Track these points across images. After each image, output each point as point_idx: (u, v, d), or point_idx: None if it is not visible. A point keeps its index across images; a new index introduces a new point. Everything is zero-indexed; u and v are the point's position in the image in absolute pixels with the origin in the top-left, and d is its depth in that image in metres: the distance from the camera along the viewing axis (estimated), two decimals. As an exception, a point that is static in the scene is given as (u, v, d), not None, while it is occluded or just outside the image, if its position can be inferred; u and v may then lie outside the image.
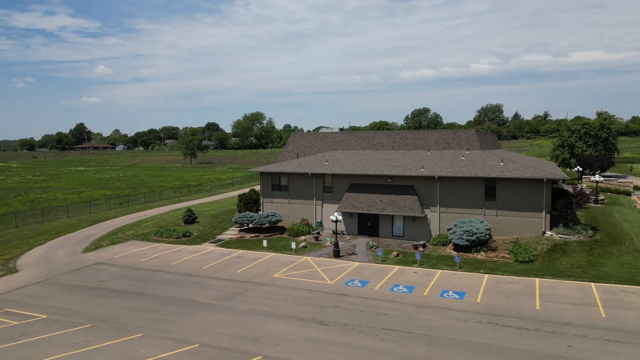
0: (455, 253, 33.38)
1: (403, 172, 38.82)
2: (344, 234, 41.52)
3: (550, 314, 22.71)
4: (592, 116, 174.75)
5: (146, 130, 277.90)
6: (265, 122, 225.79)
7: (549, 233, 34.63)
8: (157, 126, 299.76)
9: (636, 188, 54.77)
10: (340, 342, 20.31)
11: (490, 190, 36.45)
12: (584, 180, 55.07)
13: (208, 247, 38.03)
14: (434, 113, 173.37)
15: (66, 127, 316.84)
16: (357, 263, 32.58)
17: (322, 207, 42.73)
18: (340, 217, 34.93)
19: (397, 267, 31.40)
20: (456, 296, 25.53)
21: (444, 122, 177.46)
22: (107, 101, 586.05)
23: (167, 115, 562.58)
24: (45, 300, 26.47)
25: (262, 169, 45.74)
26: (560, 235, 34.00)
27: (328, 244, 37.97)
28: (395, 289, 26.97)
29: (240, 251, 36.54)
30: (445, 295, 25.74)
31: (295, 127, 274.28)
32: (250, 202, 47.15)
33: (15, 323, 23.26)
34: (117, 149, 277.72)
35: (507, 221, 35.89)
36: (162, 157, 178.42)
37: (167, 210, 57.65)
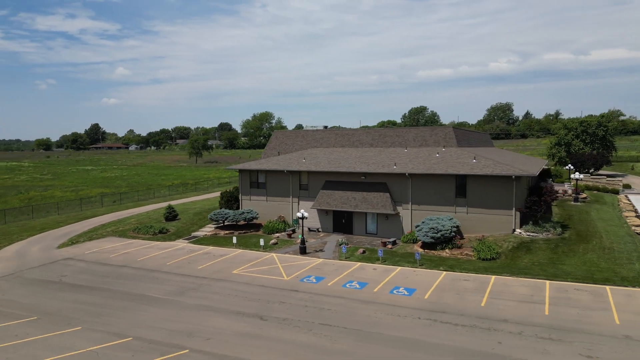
0: (421, 250, 33.13)
1: (376, 169, 38.62)
2: (319, 232, 41.49)
3: (492, 311, 22.38)
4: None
5: (158, 130, 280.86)
6: (274, 122, 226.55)
7: (518, 231, 34.12)
8: (175, 126, 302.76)
9: (626, 186, 53.58)
10: (271, 336, 20.30)
11: (460, 188, 36.06)
12: (572, 178, 53.94)
13: (180, 244, 38.34)
14: (431, 111, 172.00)
15: (86, 128, 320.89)
16: (321, 260, 32.51)
17: (298, 204, 42.74)
18: (306, 214, 34.92)
19: (359, 263, 31.25)
20: (405, 293, 25.32)
21: (441, 120, 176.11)
22: (126, 102, 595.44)
23: (185, 116, 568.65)
24: (1, 294, 26.97)
25: (239, 166, 45.95)
26: (528, 233, 33.46)
27: (299, 241, 37.93)
28: (347, 285, 26.86)
29: (210, 248, 36.76)
30: (395, 291, 25.54)
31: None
32: (231, 200, 47.42)
33: (-34, 315, 23.76)
34: (130, 148, 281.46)
35: (478, 219, 35.45)
36: (170, 157, 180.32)
37: (156, 207, 58.19)
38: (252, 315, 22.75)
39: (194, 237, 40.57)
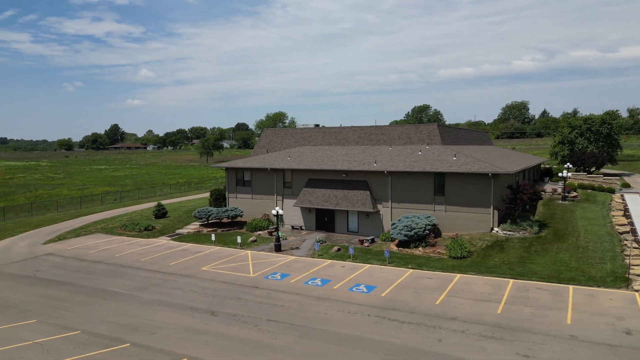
0: (396, 248, 32.84)
1: (356, 167, 38.40)
2: (302, 229, 41.47)
3: (445, 309, 22.04)
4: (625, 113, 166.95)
5: (175, 130, 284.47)
6: (287, 121, 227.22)
7: (496, 229, 33.52)
8: (191, 126, 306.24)
9: (625, 185, 52.05)
10: (215, 331, 20.38)
11: (439, 186, 35.61)
12: (560, 176, 52.64)
13: (161, 241, 38.76)
14: (435, 110, 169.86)
15: (106, 129, 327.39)
16: (294, 257, 32.49)
17: (282, 202, 42.79)
18: (281, 211, 34.96)
19: (330, 261, 31.13)
20: (364, 290, 25.12)
21: (445, 119, 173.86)
22: (150, 103, 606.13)
23: (206, 116, 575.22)
24: (-28, 287, 27.69)
25: (226, 164, 46.23)
26: (505, 232, 32.85)
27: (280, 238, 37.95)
28: (310, 282, 26.78)
29: (189, 245, 37.07)
30: (354, 289, 25.36)
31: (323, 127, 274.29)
32: (219, 198, 47.74)
33: None
34: (148, 148, 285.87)
35: (456, 217, 34.95)
36: (184, 157, 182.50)
37: (152, 205, 58.77)
38: (204, 311, 22.86)
39: (178, 234, 40.98)
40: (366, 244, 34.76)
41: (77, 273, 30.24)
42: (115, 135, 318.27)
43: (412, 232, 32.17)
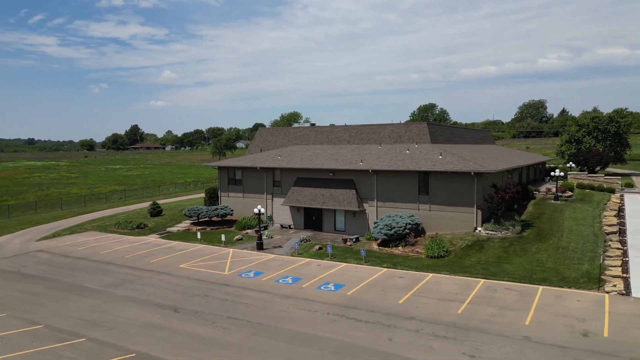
0: (377, 247, 32.66)
1: (343, 166, 38.30)
2: (290, 228, 41.55)
3: (406, 308, 21.83)
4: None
5: (192, 130, 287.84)
6: (301, 121, 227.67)
7: (479, 229, 33.04)
8: (209, 127, 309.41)
9: (628, 185, 50.66)
10: (172, 328, 20.58)
11: (423, 184, 35.26)
12: (569, 177, 51.51)
13: (150, 239, 39.29)
14: (441, 109, 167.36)
15: (126, 129, 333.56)
16: (273, 256, 32.58)
17: (272, 201, 42.95)
18: (263, 210, 35.13)
19: (308, 260, 31.14)
20: (332, 288, 25.05)
21: (451, 118, 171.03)
22: (172, 104, 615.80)
23: (227, 117, 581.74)
24: (-44, 282, 28.52)
25: (218, 163, 46.60)
26: (487, 231, 32.34)
27: (265, 237, 38.15)
28: (280, 280, 26.83)
29: (175, 242, 37.51)
30: (322, 287, 25.32)
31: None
32: (213, 197, 48.19)
33: None
34: (166, 148, 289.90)
35: (441, 216, 34.56)
36: (198, 157, 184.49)
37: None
38: (168, 308, 23.12)
39: (168, 232, 41.49)
40: (349, 243, 34.64)
41: (59, 269, 30.89)
42: (134, 136, 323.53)
43: (392, 231, 31.94)
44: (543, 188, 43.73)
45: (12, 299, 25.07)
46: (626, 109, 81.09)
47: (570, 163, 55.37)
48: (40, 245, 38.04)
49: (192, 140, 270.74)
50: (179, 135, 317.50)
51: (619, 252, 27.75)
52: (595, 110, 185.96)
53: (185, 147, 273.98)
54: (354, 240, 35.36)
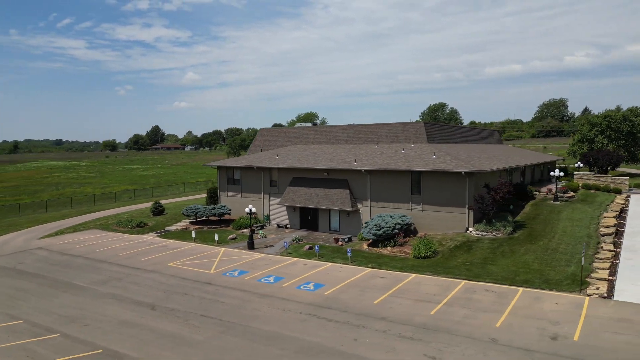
0: (366, 248, 32.52)
1: (337, 165, 38.23)
2: (287, 228, 41.66)
3: (379, 309, 21.68)
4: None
5: (211, 131, 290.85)
6: (318, 122, 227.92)
7: (471, 229, 32.57)
8: (228, 127, 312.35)
9: (638, 186, 49.16)
10: (145, 325, 20.88)
11: (416, 184, 34.94)
12: (575, 177, 50.26)
13: (147, 237, 39.89)
14: (451, 108, 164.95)
15: (147, 130, 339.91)
16: (263, 255, 32.72)
17: (269, 200, 43.14)
18: (254, 209, 35.33)
19: (295, 259, 31.18)
20: (311, 288, 25.05)
21: (462, 117, 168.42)
22: (195, 105, 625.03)
23: (249, 118, 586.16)
24: (-48, 278, 29.47)
25: (217, 163, 47.05)
26: (478, 232, 31.87)
27: (259, 236, 38.37)
28: (263, 279, 26.94)
29: (170, 241, 37.99)
30: (302, 287, 25.33)
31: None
32: (214, 196, 48.66)
33: None
34: (186, 149, 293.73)
35: (433, 216, 34.19)
36: (214, 157, 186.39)
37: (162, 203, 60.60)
38: (146, 305, 23.45)
39: (165, 231, 42.05)
40: (340, 243, 34.55)
41: (54, 266, 31.61)
42: (155, 137, 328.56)
43: (381, 231, 31.74)
44: (544, 188, 42.81)
45: (0, 295, 25.77)
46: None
47: (578, 163, 54.14)
48: (41, 243, 39.00)
49: (211, 140, 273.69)
50: (199, 135, 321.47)
51: (609, 254, 27.00)
52: (618, 108, 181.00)
53: (204, 148, 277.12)
54: (346, 240, 35.27)
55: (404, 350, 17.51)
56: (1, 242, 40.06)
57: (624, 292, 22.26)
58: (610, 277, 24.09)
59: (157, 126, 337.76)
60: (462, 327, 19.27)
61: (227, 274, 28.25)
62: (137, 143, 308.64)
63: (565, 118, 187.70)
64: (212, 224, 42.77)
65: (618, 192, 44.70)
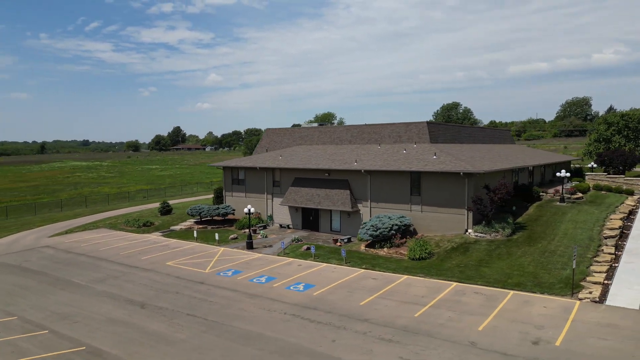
0: (364, 249, 32.39)
1: (338, 166, 38.17)
2: (289, 228, 41.77)
3: (364, 310, 21.59)
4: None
5: (230, 132, 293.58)
6: (336, 122, 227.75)
7: (470, 231, 32.12)
8: (250, 128, 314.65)
9: (653, 186, 47.63)
10: (131, 323, 21.22)
11: (415, 185, 34.63)
12: (587, 178, 49.02)
13: (151, 236, 40.51)
14: (465, 107, 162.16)
15: (169, 131, 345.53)
16: (260, 255, 32.89)
17: (272, 201, 43.33)
18: (253, 209, 35.53)
19: (291, 259, 31.26)
20: (301, 288, 25.08)
21: (476, 116, 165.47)
22: (217, 107, 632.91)
23: (270, 118, 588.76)
24: (-41, 274, 30.45)
25: (223, 163, 47.45)
26: (477, 234, 31.40)
27: (259, 237, 38.59)
28: (255, 279, 27.08)
29: (173, 240, 38.51)
30: (292, 287, 25.38)
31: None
32: (220, 196, 49.11)
33: None
34: (206, 149, 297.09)
35: (433, 217, 33.83)
36: (233, 157, 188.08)
37: (172, 203, 61.43)
38: (137, 304, 23.82)
39: (170, 230, 42.63)
40: (338, 244, 34.48)
41: (57, 264, 32.37)
42: (176, 137, 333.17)
43: (378, 232, 31.57)
44: (552, 189, 41.91)
45: (1, 291, 26.52)
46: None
47: (592, 163, 52.83)
48: (49, 242, 39.98)
49: (230, 141, 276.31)
50: (219, 136, 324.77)
51: (608, 258, 26.29)
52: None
53: (223, 148, 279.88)
54: (345, 241, 35.19)
55: (381, 352, 17.38)
56: (12, 240, 41.20)
57: (617, 296, 21.65)
58: (606, 281, 23.45)
59: (179, 127, 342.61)
60: (444, 330, 19.04)
61: (221, 274, 28.49)
62: (158, 144, 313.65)
63: (588, 117, 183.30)
64: (216, 224, 43.17)
65: (630, 193, 43.48)
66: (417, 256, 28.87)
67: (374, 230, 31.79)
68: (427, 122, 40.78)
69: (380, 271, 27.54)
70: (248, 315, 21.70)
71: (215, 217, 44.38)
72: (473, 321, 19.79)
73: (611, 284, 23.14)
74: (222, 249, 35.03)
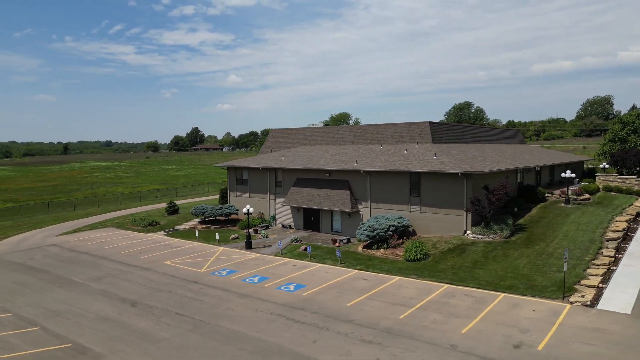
0: (361, 249, 32.27)
1: (338, 166, 38.11)
2: (291, 228, 41.86)
3: (350, 311, 21.50)
4: None
5: (247, 132, 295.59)
6: (351, 122, 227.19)
7: (468, 232, 31.73)
8: (266, 129, 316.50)
9: (666, 188, 46.27)
10: (120, 321, 21.52)
11: (415, 186, 34.37)
12: (597, 179, 47.86)
13: (155, 236, 41.04)
14: (477, 107, 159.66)
15: (187, 131, 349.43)
16: (258, 255, 33.04)
17: (274, 201, 43.48)
18: (252, 209, 35.69)
19: (287, 259, 31.33)
20: (291, 289, 25.11)
21: (488, 116, 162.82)
22: (237, 107, 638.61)
23: (288, 119, 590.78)
24: (-36, 271, 31.30)
25: (227, 163, 47.80)
26: (475, 235, 30.99)
27: (260, 237, 38.77)
28: (248, 279, 27.21)
29: (175, 240, 38.94)
30: (282, 287, 25.43)
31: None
32: (225, 196, 49.50)
33: None
34: (223, 150, 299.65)
35: (432, 218, 33.53)
36: (248, 157, 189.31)
37: (181, 202, 62.18)
38: (129, 302, 24.16)
39: (174, 230, 43.12)
40: (337, 244, 34.42)
41: (60, 262, 33.04)
42: (195, 138, 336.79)
43: (374, 233, 31.42)
44: (558, 190, 41.08)
45: (1, 288, 27.19)
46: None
47: (604, 164, 51.63)
48: (56, 240, 40.82)
49: (247, 141, 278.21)
50: (236, 137, 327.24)
51: (607, 260, 25.68)
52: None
53: (240, 149, 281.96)
54: (344, 241, 35.12)
55: (359, 354, 17.29)
56: (21, 239, 42.20)
57: (610, 300, 21.13)
58: (601, 285, 22.91)
59: (197, 127, 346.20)
60: (426, 332, 18.84)
61: (216, 273, 28.70)
62: (177, 144, 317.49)
63: (610, 116, 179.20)
64: (220, 224, 43.53)
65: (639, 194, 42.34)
66: (412, 257, 28.64)
67: (370, 231, 31.64)
68: (430, 122, 40.39)
69: (373, 272, 27.40)
70: (235, 315, 21.81)
71: (219, 217, 44.73)
72: (458, 324, 19.53)
73: (606, 287, 22.60)
74: (222, 248, 35.29)
